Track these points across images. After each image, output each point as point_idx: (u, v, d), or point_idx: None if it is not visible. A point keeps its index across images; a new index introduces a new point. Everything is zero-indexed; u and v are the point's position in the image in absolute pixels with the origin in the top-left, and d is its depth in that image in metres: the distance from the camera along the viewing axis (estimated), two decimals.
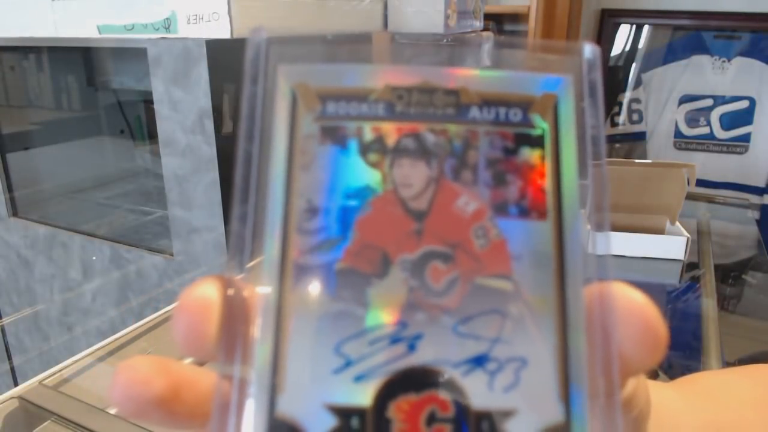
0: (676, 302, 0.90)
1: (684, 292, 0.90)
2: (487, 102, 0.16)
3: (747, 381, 0.32)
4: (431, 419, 0.14)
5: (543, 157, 0.16)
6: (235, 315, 0.14)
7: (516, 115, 0.16)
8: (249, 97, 0.15)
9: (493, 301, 0.15)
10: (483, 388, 0.14)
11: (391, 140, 0.15)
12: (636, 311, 0.15)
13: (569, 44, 0.16)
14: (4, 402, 0.58)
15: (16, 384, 0.61)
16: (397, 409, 0.14)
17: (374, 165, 0.15)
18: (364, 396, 0.14)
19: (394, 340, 0.14)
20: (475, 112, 0.16)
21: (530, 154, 0.16)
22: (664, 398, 0.24)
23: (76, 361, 0.65)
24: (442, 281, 0.15)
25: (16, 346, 1.74)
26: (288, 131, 0.15)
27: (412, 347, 0.14)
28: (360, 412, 0.14)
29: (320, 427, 0.14)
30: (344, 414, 0.14)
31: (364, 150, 0.15)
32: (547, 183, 0.15)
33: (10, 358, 1.74)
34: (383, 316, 0.14)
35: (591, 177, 0.16)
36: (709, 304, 0.83)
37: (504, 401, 0.14)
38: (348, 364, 0.14)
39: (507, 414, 0.14)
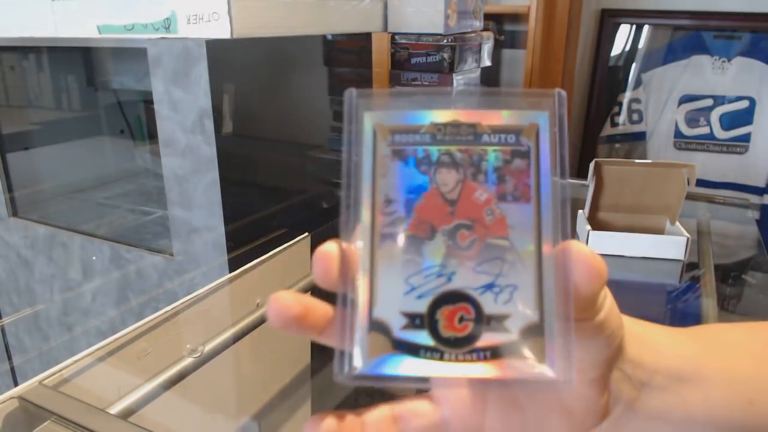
0: (676, 302, 0.90)
1: (684, 292, 0.90)
2: (494, 130, 0.24)
3: (748, 332, 0.33)
4: (461, 319, 0.23)
5: (528, 164, 0.24)
6: (347, 262, 0.24)
7: (512, 138, 0.24)
8: (347, 132, 0.24)
9: (497, 252, 0.24)
10: (491, 302, 0.23)
11: (434, 157, 0.24)
12: (582, 257, 0.23)
13: (546, 90, 0.24)
14: (4, 402, 0.57)
15: (16, 384, 0.61)
16: (441, 314, 0.23)
17: (424, 172, 0.24)
18: (422, 306, 0.23)
19: (439, 275, 0.24)
20: (486, 137, 0.24)
21: (520, 163, 0.24)
22: (651, 330, 0.30)
23: (76, 361, 0.65)
24: (467, 241, 0.24)
25: (16, 346, 1.74)
26: (372, 153, 0.24)
27: (449, 279, 0.24)
28: (420, 315, 0.23)
29: (398, 323, 0.23)
30: (411, 316, 0.23)
31: (418, 164, 0.24)
32: (531, 180, 0.24)
33: (10, 358, 1.74)
34: (432, 262, 0.24)
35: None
36: (709, 305, 0.83)
37: (503, 309, 0.23)
38: (412, 289, 0.24)
39: (505, 316, 0.23)
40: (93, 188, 1.76)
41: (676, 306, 0.88)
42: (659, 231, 0.99)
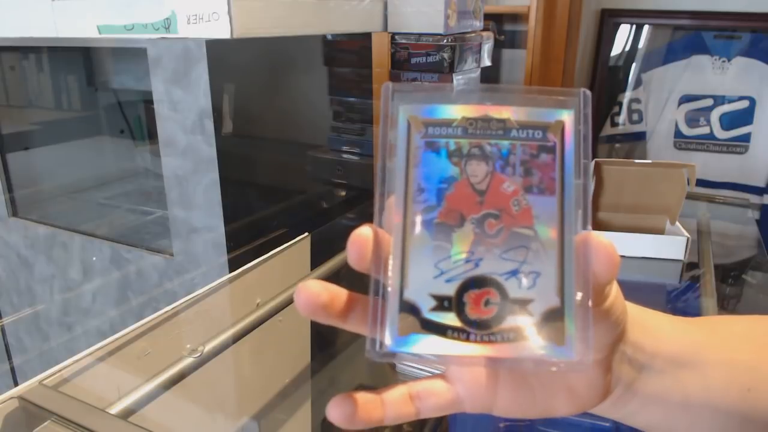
0: (676, 302, 0.90)
1: (684, 292, 0.90)
2: (522, 126, 0.26)
3: (750, 322, 0.34)
4: (486, 303, 0.24)
5: (554, 159, 0.25)
6: (380, 246, 0.25)
7: (538, 134, 0.26)
8: (383, 124, 0.26)
9: (522, 241, 0.25)
10: (515, 287, 0.25)
11: (465, 149, 0.26)
12: (602, 247, 0.25)
13: (571, 89, 0.26)
14: (4, 402, 0.58)
15: (16, 384, 0.61)
16: (468, 297, 0.24)
17: (455, 164, 0.25)
18: (451, 290, 0.25)
19: (467, 261, 0.25)
20: (514, 132, 0.26)
21: (546, 157, 0.25)
22: (653, 316, 0.31)
23: (76, 361, 0.65)
24: (494, 230, 0.25)
25: (16, 346, 1.74)
26: (406, 144, 0.26)
27: (477, 265, 0.25)
28: (448, 298, 0.24)
29: (427, 305, 0.24)
30: (440, 299, 0.24)
31: (450, 155, 0.25)
32: (556, 174, 0.25)
33: (10, 358, 1.74)
34: (461, 248, 0.25)
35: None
36: (709, 304, 0.83)
37: (526, 294, 0.24)
38: (442, 273, 0.25)
39: (528, 301, 0.24)
40: (93, 188, 1.76)
41: (676, 306, 0.88)
42: (659, 231, 0.99)
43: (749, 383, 0.30)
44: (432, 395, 0.28)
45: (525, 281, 0.25)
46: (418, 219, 0.25)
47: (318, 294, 0.25)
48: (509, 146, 0.25)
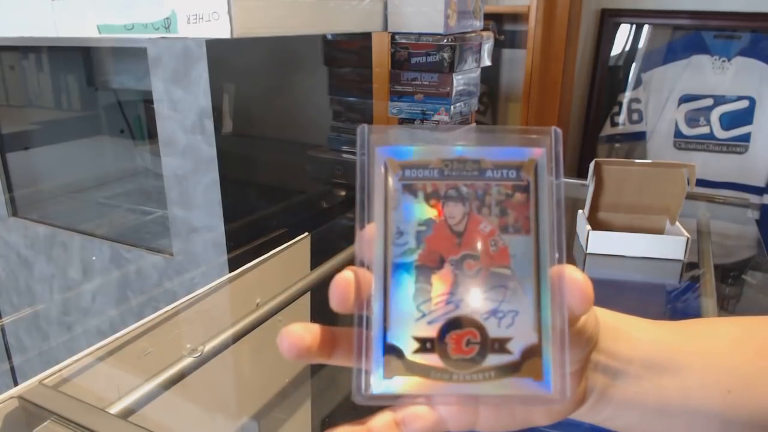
0: (676, 302, 0.90)
1: (684, 292, 0.90)
2: (496, 166, 0.26)
3: (730, 322, 0.34)
4: (468, 342, 0.25)
5: (528, 198, 0.26)
6: (362, 288, 0.25)
7: (512, 173, 0.26)
8: (360, 166, 0.26)
9: (500, 280, 0.25)
10: (495, 326, 0.25)
11: (442, 191, 0.26)
12: (576, 283, 0.25)
13: (543, 128, 0.26)
14: (4, 402, 0.58)
15: (16, 384, 0.61)
16: (449, 338, 0.25)
17: (433, 206, 0.26)
18: (432, 331, 0.25)
19: (448, 302, 0.25)
20: (489, 173, 0.26)
21: (520, 197, 0.26)
22: (626, 322, 0.32)
23: (75, 361, 0.65)
24: (473, 270, 0.26)
25: (16, 345, 1.74)
26: (383, 187, 0.26)
27: (457, 306, 0.25)
28: (431, 340, 0.25)
29: (410, 347, 0.25)
30: (422, 341, 0.25)
31: (427, 198, 0.26)
32: (530, 213, 0.26)
33: (10, 357, 1.74)
34: (441, 290, 0.25)
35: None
36: (708, 304, 0.83)
37: (506, 333, 0.25)
38: (423, 315, 0.25)
39: (507, 339, 0.25)
40: (93, 188, 1.76)
41: (675, 306, 0.88)
42: (659, 231, 0.99)
43: (729, 385, 0.30)
44: (417, 419, 0.28)
45: (504, 320, 0.25)
46: (399, 262, 0.25)
47: (302, 337, 0.26)
48: (484, 187, 0.26)
